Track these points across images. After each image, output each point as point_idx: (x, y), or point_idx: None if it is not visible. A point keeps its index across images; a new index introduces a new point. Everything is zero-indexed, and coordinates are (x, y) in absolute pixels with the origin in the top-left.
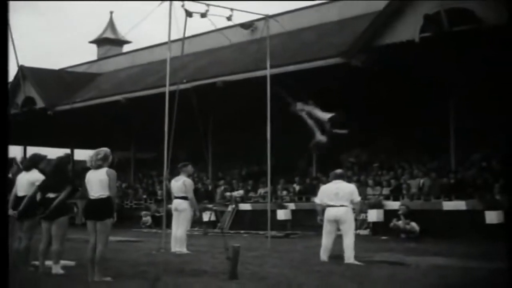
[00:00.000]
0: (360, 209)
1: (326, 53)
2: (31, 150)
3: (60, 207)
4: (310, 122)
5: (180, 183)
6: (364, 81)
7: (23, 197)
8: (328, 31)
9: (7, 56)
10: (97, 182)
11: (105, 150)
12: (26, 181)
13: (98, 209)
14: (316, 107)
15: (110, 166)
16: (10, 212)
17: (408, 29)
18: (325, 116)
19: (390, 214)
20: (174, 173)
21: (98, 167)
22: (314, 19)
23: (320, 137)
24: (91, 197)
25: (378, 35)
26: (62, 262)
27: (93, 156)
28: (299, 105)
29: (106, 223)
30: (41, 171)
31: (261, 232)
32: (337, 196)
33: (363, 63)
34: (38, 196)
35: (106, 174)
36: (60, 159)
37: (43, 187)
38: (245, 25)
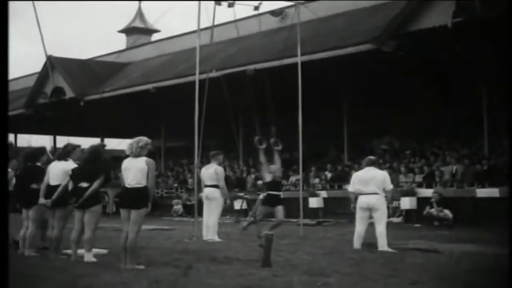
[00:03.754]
0: (392, 197)
1: (357, 39)
2: (61, 139)
3: (93, 196)
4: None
5: (212, 171)
6: (395, 67)
7: (56, 186)
8: (359, 17)
9: (7, 56)
10: (136, 171)
11: (145, 138)
12: (61, 170)
13: (134, 197)
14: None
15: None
16: (42, 200)
17: (440, 15)
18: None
19: (423, 202)
20: (204, 162)
21: (138, 155)
22: (345, 6)
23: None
24: (127, 186)
25: (410, 21)
26: (95, 250)
27: (134, 143)
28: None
29: (140, 212)
30: (74, 160)
31: (293, 220)
32: (369, 183)
33: (395, 49)
34: (70, 185)
35: (146, 163)
36: (93, 148)
37: (75, 176)
38: (275, 13)
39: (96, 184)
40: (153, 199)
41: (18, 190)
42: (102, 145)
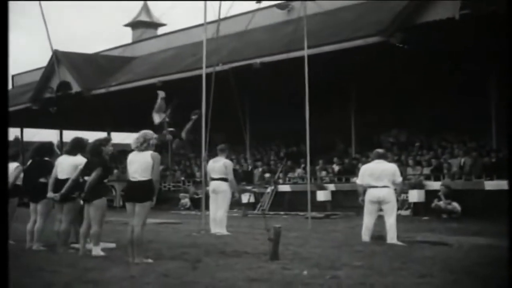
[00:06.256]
0: (401, 190)
1: (364, 32)
2: (67, 134)
3: (94, 189)
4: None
5: (220, 164)
6: (403, 60)
7: (65, 180)
8: (366, 10)
9: (7, 55)
10: (140, 165)
11: (151, 133)
12: (69, 165)
13: (138, 191)
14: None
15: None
16: (51, 194)
17: (447, 7)
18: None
19: (431, 194)
20: (211, 155)
21: (143, 149)
22: None
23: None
24: (132, 179)
25: (417, 13)
26: (103, 244)
27: (139, 138)
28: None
29: (144, 206)
30: (82, 155)
31: (301, 213)
32: (379, 176)
33: (402, 42)
34: (81, 180)
35: (151, 157)
36: (94, 142)
37: (82, 171)
38: (281, 6)
39: (91, 177)
40: (159, 192)
41: (27, 184)
42: (106, 139)
